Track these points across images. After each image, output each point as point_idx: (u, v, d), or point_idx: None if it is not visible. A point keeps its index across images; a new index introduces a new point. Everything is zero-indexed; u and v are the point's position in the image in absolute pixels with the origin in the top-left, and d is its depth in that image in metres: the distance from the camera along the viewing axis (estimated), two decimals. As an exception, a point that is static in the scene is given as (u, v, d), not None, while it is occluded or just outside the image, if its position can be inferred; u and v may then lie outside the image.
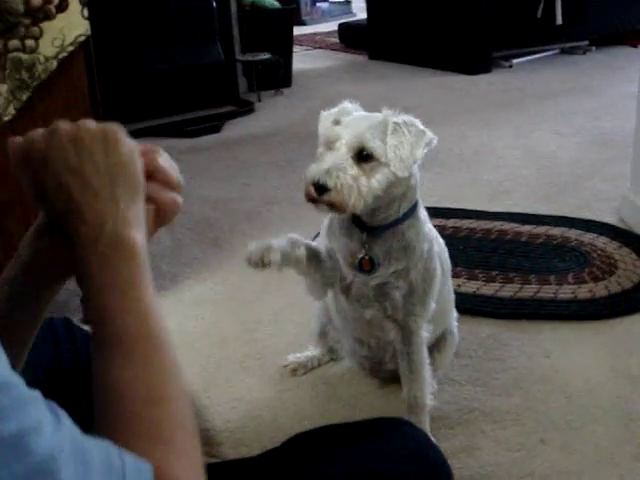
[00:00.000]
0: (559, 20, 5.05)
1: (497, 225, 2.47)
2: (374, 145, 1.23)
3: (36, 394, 0.51)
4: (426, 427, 1.47)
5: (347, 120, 1.29)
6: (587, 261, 2.20)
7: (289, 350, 1.79)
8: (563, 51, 5.45)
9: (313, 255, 1.40)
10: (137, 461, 0.55)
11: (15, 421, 0.47)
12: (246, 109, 4.19)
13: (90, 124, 0.68)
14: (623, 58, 5.18)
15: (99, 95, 1.80)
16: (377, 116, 1.29)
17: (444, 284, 1.51)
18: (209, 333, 1.93)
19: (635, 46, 5.45)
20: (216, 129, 3.88)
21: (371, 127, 1.25)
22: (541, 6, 5.00)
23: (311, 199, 1.24)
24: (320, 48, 6.46)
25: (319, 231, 1.50)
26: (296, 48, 5.50)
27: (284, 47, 4.66)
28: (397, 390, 1.57)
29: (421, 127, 1.28)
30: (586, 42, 5.45)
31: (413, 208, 1.35)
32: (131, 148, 0.68)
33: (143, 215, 0.68)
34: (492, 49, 4.97)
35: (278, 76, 4.52)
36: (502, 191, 2.83)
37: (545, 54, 5.34)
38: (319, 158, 1.28)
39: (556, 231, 2.41)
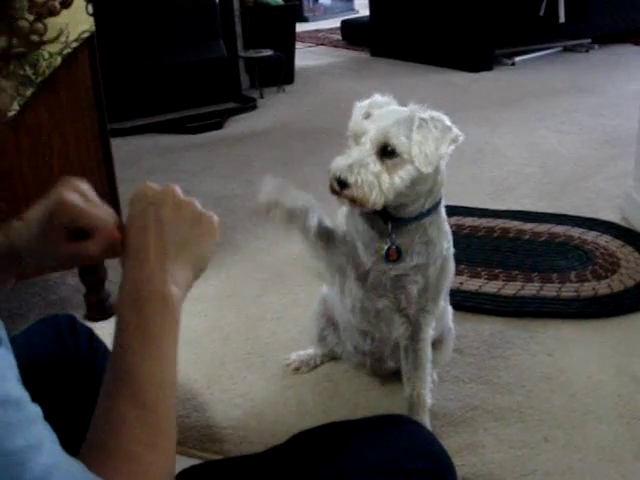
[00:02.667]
0: (562, 18, 5.05)
1: (500, 223, 2.47)
2: (397, 142, 1.22)
3: (38, 410, 0.55)
4: (427, 425, 1.47)
5: (376, 114, 1.28)
6: (590, 259, 2.20)
7: (292, 347, 1.79)
8: (566, 49, 5.44)
9: (325, 233, 1.38)
10: None
11: (22, 438, 0.52)
12: (248, 106, 4.20)
13: (198, 205, 0.77)
14: (626, 56, 5.17)
15: (103, 91, 1.80)
16: (404, 111, 1.27)
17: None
18: (212, 330, 1.93)
19: (638, 44, 5.45)
20: (218, 126, 3.88)
21: (397, 122, 1.24)
22: (544, 4, 5.00)
23: (334, 192, 1.25)
24: (322, 45, 6.46)
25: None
26: (298, 45, 5.49)
27: (286, 44, 4.66)
28: (399, 388, 1.57)
29: (448, 123, 1.26)
30: (589, 40, 5.45)
31: (436, 205, 1.34)
32: (213, 246, 0.77)
33: (190, 285, 0.75)
34: (494, 47, 4.97)
35: (280, 73, 4.52)
36: (505, 189, 2.82)
37: (548, 52, 5.34)
38: (346, 152, 1.27)
39: (559, 229, 2.41)
